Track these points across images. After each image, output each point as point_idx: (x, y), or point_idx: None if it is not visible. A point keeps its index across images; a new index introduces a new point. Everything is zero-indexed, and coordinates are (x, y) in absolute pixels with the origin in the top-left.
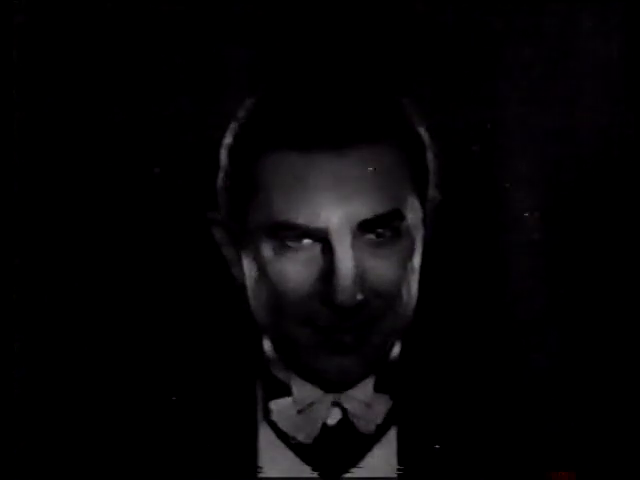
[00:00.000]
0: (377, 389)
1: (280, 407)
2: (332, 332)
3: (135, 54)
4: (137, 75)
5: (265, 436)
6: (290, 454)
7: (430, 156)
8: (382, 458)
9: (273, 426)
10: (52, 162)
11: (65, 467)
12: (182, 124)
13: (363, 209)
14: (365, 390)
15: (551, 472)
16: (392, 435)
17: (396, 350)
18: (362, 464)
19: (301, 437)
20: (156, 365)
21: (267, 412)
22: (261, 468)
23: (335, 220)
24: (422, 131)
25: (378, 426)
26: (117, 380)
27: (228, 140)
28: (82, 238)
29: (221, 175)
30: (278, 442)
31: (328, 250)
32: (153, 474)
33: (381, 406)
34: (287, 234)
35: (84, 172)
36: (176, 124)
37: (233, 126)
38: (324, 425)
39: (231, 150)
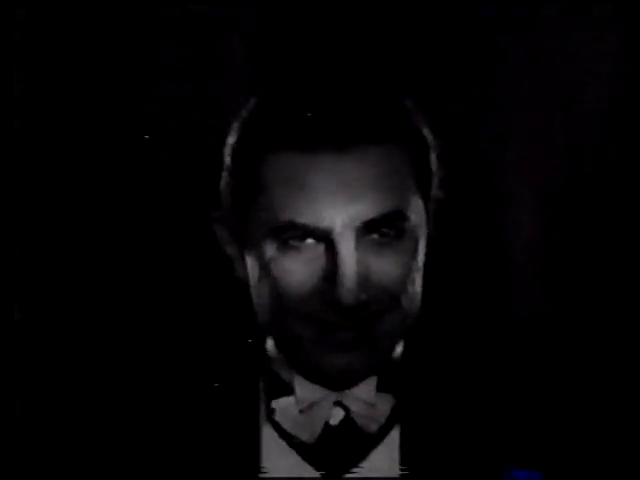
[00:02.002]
0: (380, 388)
1: (282, 406)
2: (334, 329)
3: (136, 54)
4: (139, 75)
5: (268, 435)
6: (293, 453)
7: (433, 156)
8: (385, 458)
9: (275, 425)
10: (53, 161)
11: (65, 467)
12: (185, 123)
13: (367, 209)
14: (368, 389)
15: None
16: (395, 435)
17: (399, 349)
18: (365, 464)
19: (303, 436)
20: (159, 363)
21: (269, 411)
22: (264, 468)
23: (339, 221)
24: (426, 131)
25: (381, 426)
26: (119, 378)
27: (231, 140)
28: (85, 238)
29: (224, 174)
30: (281, 441)
31: (331, 250)
32: (155, 474)
33: (384, 405)
34: (290, 234)
35: (85, 171)
36: (179, 123)
37: (236, 126)
38: (327, 424)
39: (234, 150)
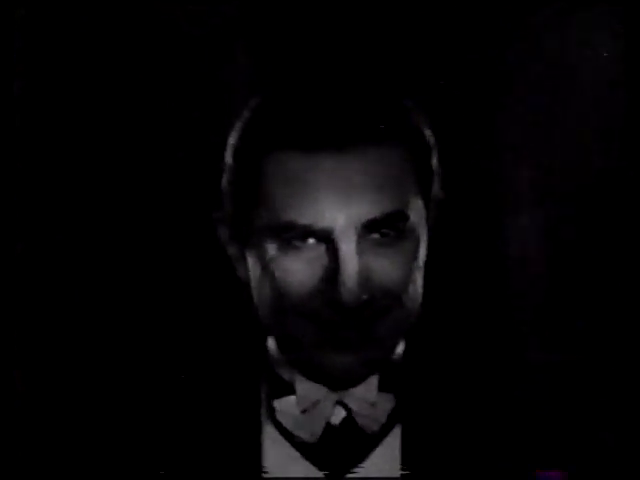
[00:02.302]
0: (381, 388)
1: (284, 406)
2: (336, 329)
3: (137, 54)
4: (140, 75)
5: (269, 435)
6: (294, 453)
7: (435, 157)
8: (386, 457)
9: (277, 425)
10: (53, 160)
11: (66, 467)
12: (187, 123)
13: (368, 209)
14: (369, 389)
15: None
16: (396, 434)
17: (400, 349)
18: (366, 463)
19: (305, 436)
20: (160, 364)
21: (271, 411)
22: (265, 467)
23: (340, 221)
24: (426, 131)
25: (382, 425)
26: (120, 379)
27: (233, 140)
28: (86, 238)
29: (226, 175)
30: (282, 441)
31: (333, 250)
32: (157, 473)
33: (385, 405)
34: (292, 234)
35: (86, 171)
36: (180, 123)
37: (238, 126)
38: (328, 424)
39: (236, 150)
